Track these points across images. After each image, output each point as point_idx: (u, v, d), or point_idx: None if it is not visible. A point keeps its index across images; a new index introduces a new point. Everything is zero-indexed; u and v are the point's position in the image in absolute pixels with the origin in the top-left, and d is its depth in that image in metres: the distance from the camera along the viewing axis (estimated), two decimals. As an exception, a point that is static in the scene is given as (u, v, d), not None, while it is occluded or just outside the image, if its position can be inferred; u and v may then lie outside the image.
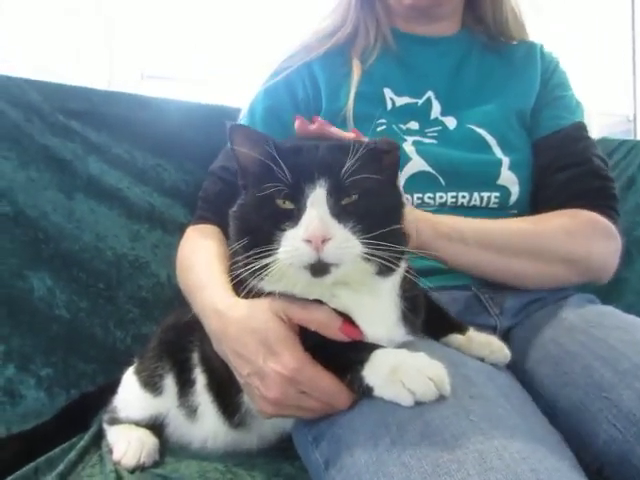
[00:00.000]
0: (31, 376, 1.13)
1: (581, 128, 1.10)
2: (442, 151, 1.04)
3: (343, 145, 0.69)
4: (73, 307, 1.18)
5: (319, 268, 0.63)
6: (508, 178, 1.04)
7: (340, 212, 0.64)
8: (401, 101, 1.09)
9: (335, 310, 0.70)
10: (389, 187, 0.73)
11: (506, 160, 1.05)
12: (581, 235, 0.97)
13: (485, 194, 1.03)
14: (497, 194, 1.04)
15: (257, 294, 0.72)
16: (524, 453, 0.54)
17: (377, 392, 0.64)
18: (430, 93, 1.11)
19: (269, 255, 0.64)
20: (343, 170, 0.65)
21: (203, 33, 2.70)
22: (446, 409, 0.60)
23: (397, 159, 0.74)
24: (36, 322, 1.15)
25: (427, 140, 1.05)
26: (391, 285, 0.74)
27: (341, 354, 0.69)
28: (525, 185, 1.06)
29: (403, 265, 0.73)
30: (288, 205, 0.66)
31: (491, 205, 1.04)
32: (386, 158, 0.72)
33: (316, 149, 0.69)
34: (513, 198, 1.05)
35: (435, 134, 1.07)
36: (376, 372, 0.64)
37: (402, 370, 0.62)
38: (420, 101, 1.10)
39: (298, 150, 0.70)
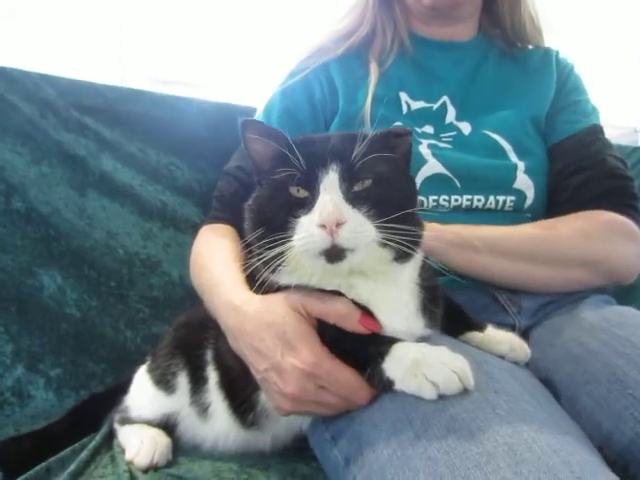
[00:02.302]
0: (40, 376, 1.13)
1: (596, 130, 1.09)
2: (458, 156, 1.03)
3: (354, 133, 0.69)
4: (83, 306, 1.18)
5: (334, 254, 0.62)
6: (524, 182, 1.03)
7: (354, 197, 0.64)
8: (416, 105, 1.09)
9: (353, 302, 0.69)
10: (402, 172, 0.73)
11: (521, 165, 1.04)
12: (598, 237, 0.96)
13: (501, 198, 1.02)
14: (513, 198, 1.03)
15: (272, 288, 0.71)
16: (554, 446, 0.52)
17: (398, 385, 0.63)
18: (445, 98, 1.10)
19: (284, 243, 0.64)
20: (354, 154, 0.65)
21: (212, 38, 2.71)
22: (471, 403, 0.59)
23: (409, 144, 0.74)
24: (46, 321, 1.14)
25: (442, 145, 1.05)
26: (409, 274, 0.73)
27: (360, 347, 0.67)
28: (540, 189, 1.05)
29: (420, 252, 0.73)
30: (302, 193, 0.66)
31: (506, 209, 1.03)
32: (399, 143, 0.72)
33: (328, 139, 0.70)
34: (528, 202, 1.04)
35: (450, 139, 1.06)
36: (397, 365, 0.63)
37: (425, 363, 0.61)
38: (435, 106, 1.09)
39: (310, 141, 0.70)
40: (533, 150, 1.07)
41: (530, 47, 1.19)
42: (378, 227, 0.63)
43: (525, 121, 1.09)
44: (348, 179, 0.65)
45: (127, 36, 2.63)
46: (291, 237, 0.64)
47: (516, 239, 0.94)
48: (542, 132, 1.11)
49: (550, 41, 1.22)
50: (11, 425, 1.06)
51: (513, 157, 1.05)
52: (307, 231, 0.63)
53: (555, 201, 1.06)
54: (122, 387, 1.01)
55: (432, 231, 0.84)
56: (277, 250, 0.64)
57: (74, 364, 1.16)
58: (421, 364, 0.61)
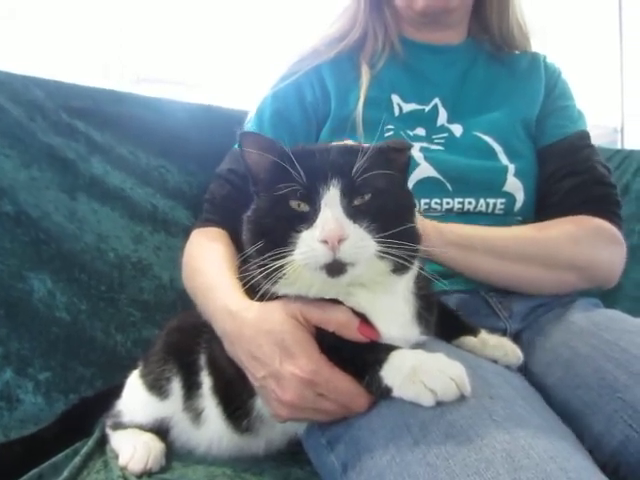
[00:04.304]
0: (29, 380, 1.11)
1: (584, 137, 1.12)
2: (449, 157, 1.04)
3: (354, 147, 0.70)
4: (73, 309, 1.16)
5: (335, 268, 0.63)
6: (514, 185, 1.05)
7: (354, 212, 0.65)
8: (408, 107, 1.10)
9: (351, 310, 0.69)
10: (401, 186, 0.74)
11: (512, 167, 1.06)
12: (587, 241, 0.98)
13: (491, 200, 1.04)
14: (503, 200, 1.04)
15: (271, 298, 0.71)
16: (551, 452, 0.54)
17: (396, 392, 0.64)
18: (437, 100, 1.11)
19: (284, 257, 0.64)
20: (354, 170, 0.65)
21: (199, 36, 2.69)
22: (468, 409, 0.60)
23: (408, 159, 0.74)
24: (35, 324, 1.12)
25: (434, 147, 1.06)
26: (405, 284, 0.74)
27: (358, 355, 0.68)
28: (530, 192, 1.07)
29: (417, 263, 0.73)
30: (303, 207, 0.66)
31: (497, 211, 1.05)
32: (398, 157, 0.73)
33: (328, 152, 0.70)
34: (518, 205, 1.06)
35: (442, 141, 1.07)
36: (395, 372, 0.64)
37: (422, 370, 0.62)
38: (427, 108, 1.11)
39: (310, 153, 0.70)
40: (523, 153, 1.09)
41: (517, 52, 1.21)
42: (378, 241, 0.64)
43: (516, 124, 1.11)
44: (349, 194, 0.65)
45: (127, 36, 2.61)
46: (292, 251, 0.64)
47: (511, 240, 0.96)
48: (532, 135, 1.13)
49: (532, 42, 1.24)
50: (0, 429, 1.04)
51: (503, 159, 1.07)
52: (308, 246, 0.63)
53: (544, 204, 1.08)
54: (113, 391, 1.00)
55: (432, 229, 0.86)
56: (278, 263, 0.65)
57: (63, 368, 1.14)
58: (419, 371, 0.62)
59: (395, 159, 0.72)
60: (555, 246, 0.96)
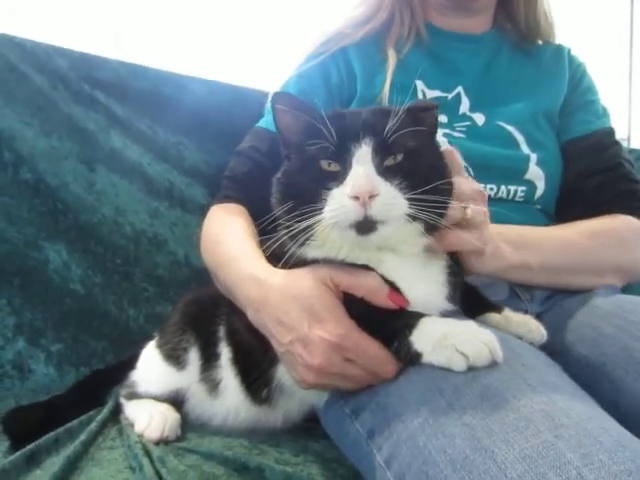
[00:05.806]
0: (41, 351, 1.11)
1: (611, 133, 1.12)
2: (472, 145, 1.04)
3: (385, 108, 0.70)
4: (88, 282, 1.16)
5: (365, 225, 0.63)
6: (535, 173, 1.05)
7: (385, 170, 0.65)
8: (432, 94, 1.10)
9: (381, 277, 0.69)
10: (430, 145, 0.74)
11: (534, 156, 1.06)
12: (632, 243, 1.00)
13: (512, 187, 1.04)
14: (523, 188, 1.05)
15: (298, 262, 0.71)
16: (589, 413, 0.53)
17: (426, 358, 0.63)
18: (460, 89, 1.11)
19: (314, 215, 0.64)
20: (387, 129, 0.65)
21: (197, 31, 2.69)
22: (502, 374, 0.59)
23: (436, 118, 0.75)
24: (49, 295, 1.12)
25: (456, 134, 1.06)
26: (436, 256, 0.74)
27: (387, 321, 0.68)
28: (551, 182, 1.07)
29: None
30: (333, 167, 0.66)
31: (517, 199, 1.05)
32: (426, 117, 0.73)
33: (359, 113, 0.70)
34: (538, 193, 1.06)
35: (464, 129, 1.07)
36: (426, 337, 0.63)
37: (454, 334, 0.62)
38: (450, 96, 1.10)
39: (341, 114, 0.71)
40: (545, 143, 1.09)
41: (540, 42, 1.21)
42: (409, 199, 0.64)
43: (538, 115, 1.11)
44: (380, 153, 0.65)
45: (127, 34, 2.60)
46: (321, 209, 0.64)
47: (565, 254, 0.96)
48: (555, 127, 1.13)
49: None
50: (11, 398, 1.04)
51: (525, 149, 1.07)
52: (339, 202, 0.63)
53: (573, 200, 1.09)
54: (125, 363, 1.00)
55: (497, 254, 0.85)
56: (307, 222, 0.64)
57: (75, 340, 1.14)
58: (450, 336, 0.61)
59: (424, 118, 0.72)
60: (606, 253, 0.98)
